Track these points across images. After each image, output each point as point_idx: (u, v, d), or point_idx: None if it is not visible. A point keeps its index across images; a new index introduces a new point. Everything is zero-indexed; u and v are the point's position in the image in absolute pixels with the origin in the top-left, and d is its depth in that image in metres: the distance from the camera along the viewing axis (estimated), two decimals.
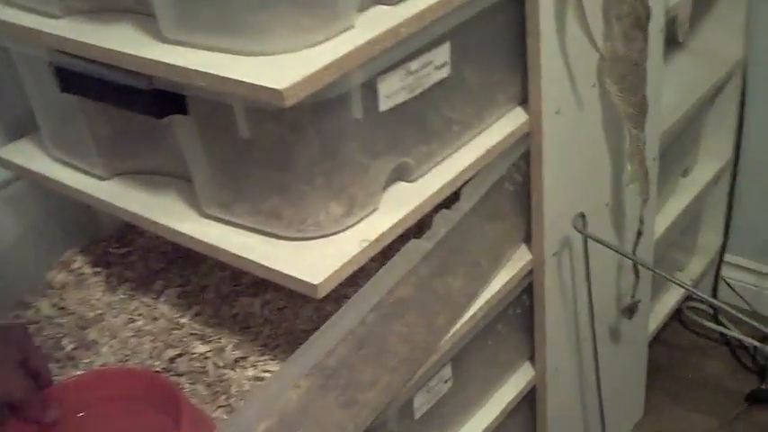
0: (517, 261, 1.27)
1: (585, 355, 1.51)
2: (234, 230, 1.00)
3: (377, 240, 0.96)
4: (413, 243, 1.01)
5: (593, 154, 1.32)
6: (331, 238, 0.96)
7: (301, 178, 0.93)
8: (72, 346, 1.18)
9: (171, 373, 1.12)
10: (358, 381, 1.01)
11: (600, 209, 1.39)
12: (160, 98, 0.92)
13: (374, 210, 0.99)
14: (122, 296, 1.26)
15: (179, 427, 0.93)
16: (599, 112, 1.28)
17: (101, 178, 1.11)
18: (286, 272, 0.92)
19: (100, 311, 1.23)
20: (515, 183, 1.20)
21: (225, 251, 0.98)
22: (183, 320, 1.20)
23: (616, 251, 1.37)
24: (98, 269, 1.32)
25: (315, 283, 0.90)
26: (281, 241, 0.97)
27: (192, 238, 1.01)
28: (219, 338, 1.16)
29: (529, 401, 1.45)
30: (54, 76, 1.01)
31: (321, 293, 0.90)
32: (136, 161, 1.11)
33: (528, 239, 1.28)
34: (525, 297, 1.33)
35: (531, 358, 1.43)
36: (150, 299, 1.25)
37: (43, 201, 1.27)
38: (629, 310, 1.50)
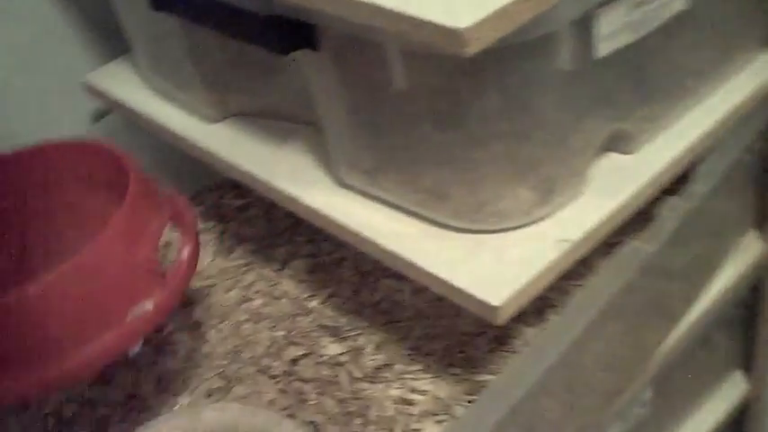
0: (744, 252, 1.13)
1: None
2: (381, 210, 0.83)
3: (582, 240, 0.75)
4: (630, 248, 0.79)
5: None
6: (516, 233, 0.78)
7: (479, 148, 0.73)
8: (172, 326, 1.04)
9: (292, 377, 0.96)
10: (540, 418, 0.81)
11: None
12: (282, 27, 0.75)
13: (578, 195, 0.79)
14: (238, 262, 1.11)
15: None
16: None
17: (207, 120, 0.95)
18: (451, 280, 0.74)
19: (208, 282, 1.09)
20: (754, 152, 1.04)
21: (367, 240, 0.80)
22: (312, 304, 1.04)
23: None
24: (209, 224, 1.18)
25: (494, 303, 0.71)
26: (447, 232, 0.79)
27: (323, 215, 0.84)
28: (357, 335, 0.99)
29: (737, 421, 1.30)
30: None
31: (502, 318, 0.72)
32: (253, 100, 0.96)
33: (759, 224, 1.14)
34: (748, 295, 1.21)
35: (746, 368, 1.28)
36: (271, 270, 1.09)
37: (143, 136, 1.11)
38: None
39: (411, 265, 0.76)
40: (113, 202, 0.87)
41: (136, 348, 0.92)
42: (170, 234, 0.98)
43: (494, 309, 0.70)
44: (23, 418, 0.96)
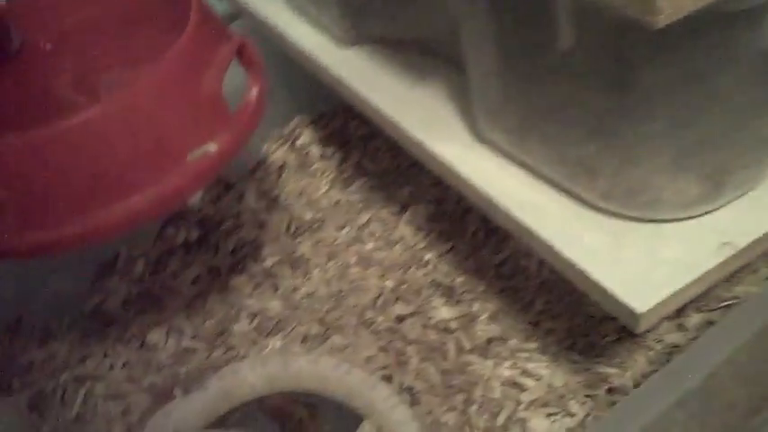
0: None
1: None
2: (518, 175, 0.76)
3: (751, 245, 0.66)
4: None
5: None
6: (673, 227, 0.69)
7: (644, 122, 0.65)
8: (274, 259, 1.01)
9: (395, 336, 0.91)
10: None
11: None
12: None
13: (750, 192, 0.69)
14: (354, 197, 1.05)
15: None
16: None
17: (340, 43, 0.89)
18: (589, 272, 0.66)
19: (320, 215, 1.04)
20: None
21: (499, 208, 0.73)
22: (428, 256, 0.98)
23: None
24: (329, 150, 1.13)
25: (638, 310, 0.63)
26: (591, 214, 0.71)
27: (452, 170, 0.77)
28: (472, 300, 0.93)
29: None
30: None
31: (643, 327, 0.64)
32: (391, 26, 0.89)
33: None
34: None
35: None
36: (390, 212, 1.04)
37: (266, 44, 1.06)
38: None
39: (546, 246, 0.69)
40: (169, 41, 0.80)
41: (195, 197, 0.85)
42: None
43: (636, 316, 0.62)
44: (110, 331, 0.95)
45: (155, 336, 0.94)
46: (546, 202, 0.73)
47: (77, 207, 0.72)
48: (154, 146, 0.74)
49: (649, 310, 0.63)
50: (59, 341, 0.94)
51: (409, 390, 0.89)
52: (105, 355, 0.92)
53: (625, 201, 0.69)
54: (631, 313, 0.63)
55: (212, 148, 0.76)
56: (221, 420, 0.87)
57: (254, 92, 0.80)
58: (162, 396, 0.88)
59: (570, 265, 0.68)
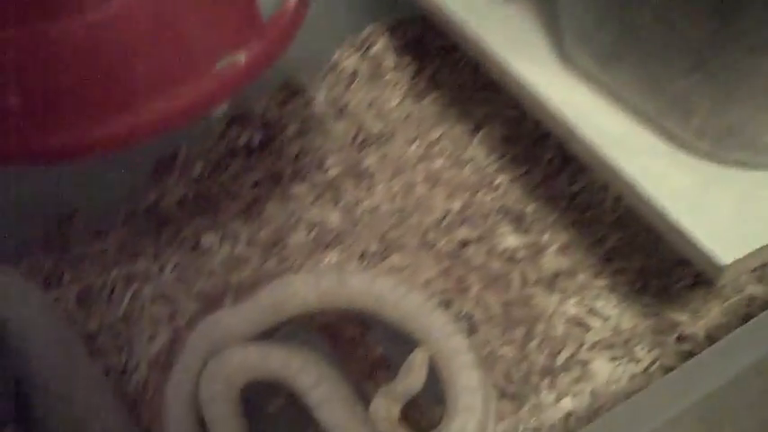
0: None
1: None
2: (604, 103, 0.72)
3: None
4: None
5: None
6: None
7: (759, 54, 0.59)
8: (338, 170, 0.98)
9: (458, 261, 0.88)
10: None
11: None
12: None
13: None
14: (427, 112, 1.02)
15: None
16: None
17: None
18: (672, 215, 0.62)
19: (389, 127, 1.01)
20: None
21: (580, 137, 0.68)
22: (499, 180, 0.95)
23: None
24: (404, 60, 1.09)
25: (721, 261, 0.59)
26: (682, 153, 0.66)
27: (533, 93, 0.73)
28: (542, 230, 0.89)
29: None
30: None
31: (725, 279, 0.61)
32: None
33: None
34: None
35: None
36: (463, 129, 1.01)
37: None
38: None
39: (627, 183, 0.66)
40: None
41: (220, 109, 0.81)
42: None
43: (719, 268, 0.59)
44: (163, 231, 0.94)
45: (208, 239, 0.93)
46: (632, 135, 0.69)
47: (95, 110, 0.68)
48: (177, 48, 0.69)
49: (735, 263, 0.60)
50: (111, 237, 0.93)
51: (467, 318, 0.87)
52: (156, 256, 0.92)
53: (720, 141, 0.65)
54: (714, 264, 0.60)
55: (241, 57, 0.71)
56: (269, 333, 0.86)
57: (293, 0, 0.74)
58: (211, 303, 0.87)
59: (652, 206, 0.65)
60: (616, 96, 0.71)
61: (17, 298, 0.68)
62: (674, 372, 0.62)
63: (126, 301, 0.88)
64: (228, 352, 0.84)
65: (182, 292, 0.89)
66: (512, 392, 0.81)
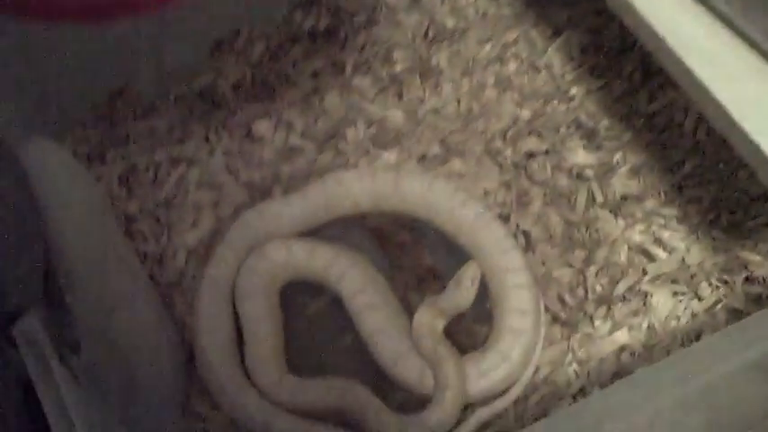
0: None
1: None
2: (702, 17, 0.64)
3: None
4: None
5: None
6: None
7: None
8: (404, 65, 0.93)
9: (522, 173, 0.84)
10: None
11: None
12: None
13: None
14: (505, 11, 0.96)
15: None
16: None
17: None
18: (763, 145, 0.56)
19: (463, 24, 0.95)
20: None
21: (671, 50, 0.63)
22: (574, 91, 0.89)
23: None
24: None
25: None
26: None
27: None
28: (614, 148, 0.84)
29: None
30: None
31: None
32: None
33: None
34: None
35: None
36: (540, 33, 0.94)
37: None
38: None
39: (716, 104, 0.60)
40: None
41: None
42: None
43: None
44: (215, 115, 0.90)
45: (262, 127, 0.88)
46: (727, 54, 0.62)
47: None
48: None
49: None
50: (161, 117, 0.89)
51: (525, 234, 0.82)
52: (206, 140, 0.88)
53: None
54: None
55: None
56: (316, 231, 0.82)
57: None
58: (258, 193, 0.84)
59: (740, 132, 0.59)
60: (715, 11, 0.65)
61: (57, 173, 0.64)
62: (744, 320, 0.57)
63: (170, 183, 0.85)
64: (272, 246, 0.80)
65: (229, 179, 0.85)
66: (564, 319, 0.77)
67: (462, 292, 0.74)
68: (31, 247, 0.56)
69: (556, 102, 0.89)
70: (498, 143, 0.86)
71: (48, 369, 0.54)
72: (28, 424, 0.54)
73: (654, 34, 0.65)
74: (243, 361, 0.74)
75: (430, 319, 0.73)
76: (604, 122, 0.87)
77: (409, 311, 0.75)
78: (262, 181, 0.85)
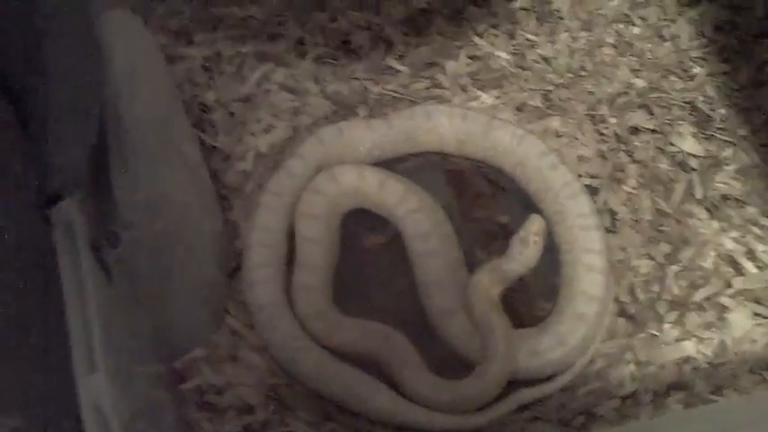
0: None
1: None
2: None
3: None
4: None
5: None
6: None
7: None
8: (523, 3, 0.87)
9: (621, 146, 0.78)
10: None
11: None
12: None
13: None
14: None
15: None
16: None
17: None
18: None
19: None
20: None
21: None
22: (697, 70, 0.83)
23: None
24: None
25: None
26: None
27: None
28: (726, 142, 0.78)
29: None
30: None
31: None
32: None
33: None
34: None
35: None
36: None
37: None
38: None
39: None
40: None
41: None
42: None
43: None
44: (308, 21, 0.84)
45: (360, 39, 0.83)
46: None
47: None
48: None
49: None
50: (259, 7, 0.84)
51: (612, 213, 0.76)
52: (298, 42, 0.82)
53: None
54: None
55: None
56: (392, 162, 0.77)
57: None
58: (342, 109, 0.79)
59: None
60: None
61: (131, 48, 0.60)
62: None
63: (252, 81, 0.80)
64: (344, 169, 0.76)
65: (314, 88, 0.80)
66: (631, 313, 0.71)
67: (527, 251, 0.68)
68: (86, 124, 0.52)
69: (675, 78, 0.82)
70: (604, 109, 0.80)
71: (76, 263, 0.50)
72: (43, 314, 0.50)
73: None
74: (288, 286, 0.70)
75: (488, 284, 0.68)
76: (721, 111, 0.80)
77: (471, 268, 0.70)
78: (349, 96, 0.80)
